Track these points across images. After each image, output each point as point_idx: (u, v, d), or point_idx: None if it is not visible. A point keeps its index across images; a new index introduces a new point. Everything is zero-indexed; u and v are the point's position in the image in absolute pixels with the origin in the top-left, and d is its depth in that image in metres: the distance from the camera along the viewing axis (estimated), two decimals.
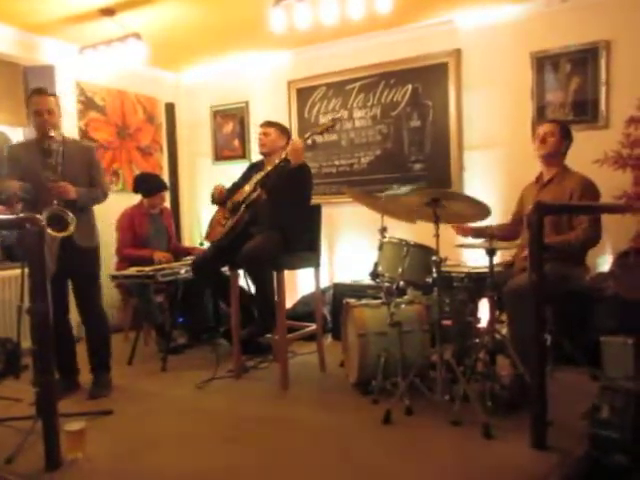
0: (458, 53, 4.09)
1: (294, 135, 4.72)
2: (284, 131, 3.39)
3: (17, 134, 4.25)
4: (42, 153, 2.80)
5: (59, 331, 2.96)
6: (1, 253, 3.93)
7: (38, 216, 2.11)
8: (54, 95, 2.99)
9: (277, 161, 3.16)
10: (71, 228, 2.59)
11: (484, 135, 4.02)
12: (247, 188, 3.23)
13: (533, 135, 3.07)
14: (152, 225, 4.17)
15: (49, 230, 2.44)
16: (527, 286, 2.25)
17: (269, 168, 3.19)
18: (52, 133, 2.76)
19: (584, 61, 3.65)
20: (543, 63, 3.79)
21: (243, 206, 3.18)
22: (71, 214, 2.61)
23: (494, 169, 3.93)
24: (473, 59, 4.05)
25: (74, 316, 3.11)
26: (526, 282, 2.31)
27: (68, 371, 3.04)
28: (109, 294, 4.07)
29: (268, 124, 3.37)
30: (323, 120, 4.55)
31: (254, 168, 3.45)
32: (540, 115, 3.78)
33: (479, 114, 4.05)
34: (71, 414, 2.54)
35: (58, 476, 2.07)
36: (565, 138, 2.93)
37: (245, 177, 3.41)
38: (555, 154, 2.91)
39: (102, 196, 3.05)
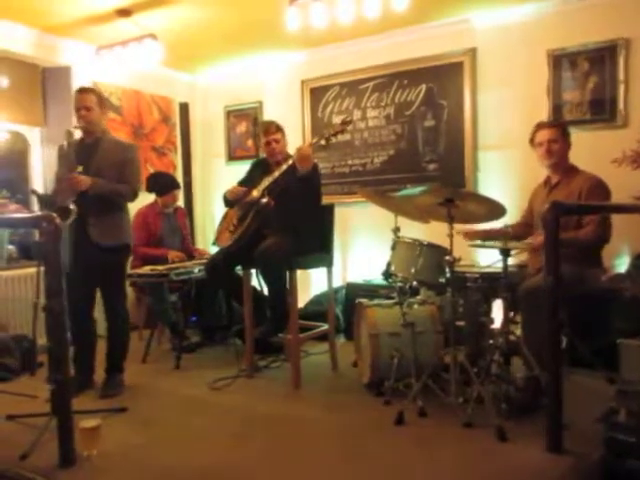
0: (473, 52, 4.05)
1: (307, 134, 4.73)
2: (284, 130, 3.34)
3: (34, 134, 4.31)
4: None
5: (80, 329, 3.02)
6: (18, 251, 3.98)
7: (53, 214, 2.13)
8: (95, 92, 3.05)
9: (284, 167, 3.11)
10: (71, 218, 2.58)
11: (499, 135, 3.98)
12: (255, 194, 3.19)
13: (532, 143, 2.98)
14: (166, 224, 4.20)
15: None
16: (542, 287, 2.22)
17: (276, 174, 3.15)
18: (70, 129, 2.80)
19: (602, 59, 3.59)
20: (560, 61, 3.74)
21: (251, 214, 3.17)
22: (73, 206, 2.60)
23: (509, 169, 3.89)
24: (489, 58, 4.02)
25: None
26: (541, 283, 2.28)
27: (84, 369, 3.07)
28: None
29: (277, 129, 3.28)
30: (336, 120, 4.53)
31: (259, 166, 3.42)
32: (557, 114, 3.73)
33: (494, 114, 4.01)
34: (86, 411, 2.56)
35: (72, 473, 2.09)
36: (567, 139, 2.89)
37: (251, 176, 3.39)
38: (563, 157, 2.87)
39: (130, 193, 3.02)
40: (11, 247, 3.95)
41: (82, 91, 3.01)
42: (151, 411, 2.77)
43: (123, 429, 2.53)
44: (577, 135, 3.54)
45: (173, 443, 2.38)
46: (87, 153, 2.89)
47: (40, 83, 4.31)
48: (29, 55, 4.11)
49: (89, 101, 2.94)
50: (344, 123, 3.18)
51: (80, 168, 2.75)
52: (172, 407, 2.84)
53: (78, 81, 4.35)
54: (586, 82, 3.65)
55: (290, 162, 3.09)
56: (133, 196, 3.06)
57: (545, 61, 3.77)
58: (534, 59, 3.81)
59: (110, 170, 2.94)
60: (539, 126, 2.95)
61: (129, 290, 4.10)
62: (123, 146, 3.13)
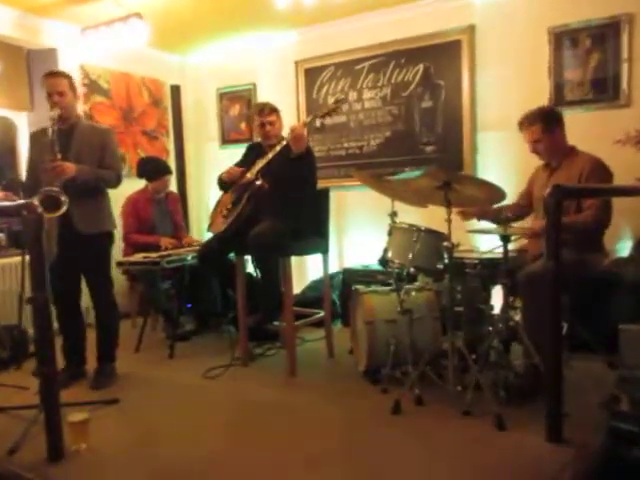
0: (472, 30, 3.93)
1: (302, 116, 4.62)
2: (279, 112, 3.25)
3: (21, 119, 4.20)
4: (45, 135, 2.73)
5: (67, 319, 2.96)
6: (8, 239, 3.90)
7: (35, 202, 2.05)
8: (67, 76, 2.90)
9: (278, 148, 3.04)
10: (63, 208, 2.48)
11: (498, 116, 3.88)
12: (249, 176, 3.12)
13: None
14: (157, 210, 4.12)
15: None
16: (543, 272, 2.15)
17: (270, 156, 3.07)
18: (51, 113, 2.68)
19: (605, 36, 3.48)
20: (561, 39, 3.62)
21: (245, 197, 3.09)
22: (63, 195, 2.49)
23: (509, 151, 3.80)
24: (488, 36, 3.90)
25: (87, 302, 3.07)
26: (542, 268, 2.21)
27: (75, 359, 3.02)
28: (116, 280, 4.02)
29: (271, 110, 3.19)
30: (332, 101, 4.43)
31: (253, 150, 3.34)
32: (558, 94, 3.63)
33: (493, 94, 3.91)
34: (76, 403, 2.52)
35: (61, 467, 2.04)
36: (553, 129, 2.73)
37: (245, 160, 3.31)
38: (554, 151, 2.77)
39: (113, 179, 2.93)
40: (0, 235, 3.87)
41: (53, 75, 2.86)
42: (143, 402, 2.71)
43: (114, 421, 2.48)
44: (579, 115, 3.46)
45: (166, 435, 2.33)
46: (64, 140, 2.76)
47: (26, 66, 4.18)
48: (13, 37, 3.98)
49: (61, 85, 2.80)
50: (337, 102, 3.12)
51: (59, 155, 2.64)
52: (165, 398, 2.79)
53: (65, 63, 4.23)
54: (588, 60, 3.54)
55: (284, 143, 3.01)
56: (117, 181, 2.96)
57: (546, 39, 3.66)
58: (535, 37, 3.70)
59: (90, 156, 2.85)
60: (520, 125, 2.81)
61: (122, 278, 4.06)
62: (100, 131, 3.03)
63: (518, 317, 2.66)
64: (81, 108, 4.38)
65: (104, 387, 2.88)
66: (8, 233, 3.86)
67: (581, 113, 3.52)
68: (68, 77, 2.89)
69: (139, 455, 2.16)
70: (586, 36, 3.54)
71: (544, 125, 2.73)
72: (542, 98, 3.63)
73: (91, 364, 3.05)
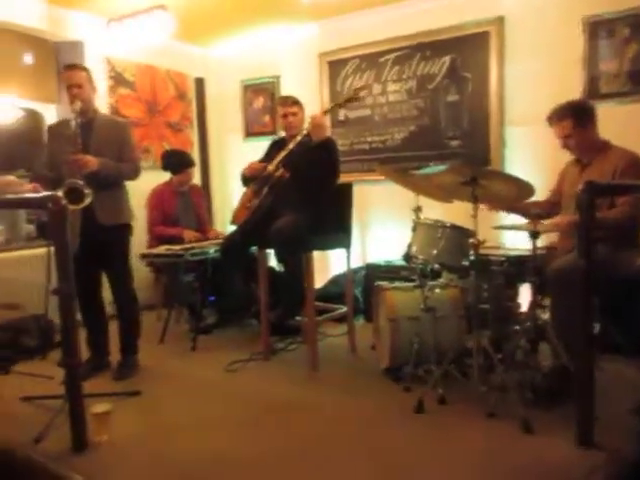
0: (501, 21, 3.83)
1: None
2: (301, 104, 3.27)
3: (50, 111, 4.25)
4: (67, 128, 2.75)
5: (89, 309, 2.98)
6: (37, 230, 3.96)
7: (59, 194, 2.06)
8: (85, 69, 2.91)
9: (299, 138, 3.04)
10: (86, 201, 2.51)
11: (528, 110, 3.77)
12: (270, 168, 3.12)
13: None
14: (181, 203, 4.13)
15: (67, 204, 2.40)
16: (573, 268, 2.08)
17: (291, 146, 3.07)
18: (73, 106, 2.69)
19: None
20: (597, 29, 3.49)
21: (266, 188, 3.08)
22: (87, 187, 2.51)
23: (538, 146, 3.69)
24: (517, 27, 3.79)
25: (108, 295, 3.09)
26: (572, 263, 2.14)
27: (98, 350, 3.05)
28: (141, 272, 4.07)
29: (293, 102, 3.22)
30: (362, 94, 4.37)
31: (276, 145, 3.33)
32: (592, 87, 3.51)
33: (523, 87, 3.80)
34: (99, 394, 2.54)
35: (84, 458, 2.06)
36: (585, 123, 2.62)
37: (268, 155, 3.30)
38: (586, 146, 2.67)
39: (133, 172, 2.96)
40: (29, 226, 3.93)
41: (71, 68, 2.87)
42: (165, 394, 2.73)
43: (136, 413, 2.50)
44: (614, 109, 3.34)
45: (185, 428, 2.33)
46: (83, 133, 2.76)
47: (53, 58, 4.22)
48: (40, 29, 4.02)
49: (80, 78, 2.81)
50: (358, 89, 3.10)
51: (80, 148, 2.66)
52: (186, 390, 2.80)
53: (91, 56, 4.27)
54: (625, 51, 3.40)
55: (304, 132, 3.00)
56: (136, 174, 2.99)
57: (580, 29, 3.53)
58: (568, 27, 3.57)
59: (109, 149, 2.86)
60: (549, 120, 2.71)
61: (146, 270, 4.09)
62: (118, 124, 3.07)
63: (546, 316, 2.59)
64: (107, 101, 4.43)
65: (126, 378, 2.91)
66: (37, 224, 3.92)
67: (616, 106, 3.39)
68: (86, 70, 2.90)
69: (159, 447, 2.16)
70: (624, 25, 3.40)
71: (575, 120, 2.63)
72: (575, 91, 3.52)
73: (114, 356, 3.08)
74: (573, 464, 1.91)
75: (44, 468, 1.92)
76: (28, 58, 4.18)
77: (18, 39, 4.04)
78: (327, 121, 4.26)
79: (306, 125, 3.08)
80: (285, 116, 3.21)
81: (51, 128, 3.10)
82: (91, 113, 2.89)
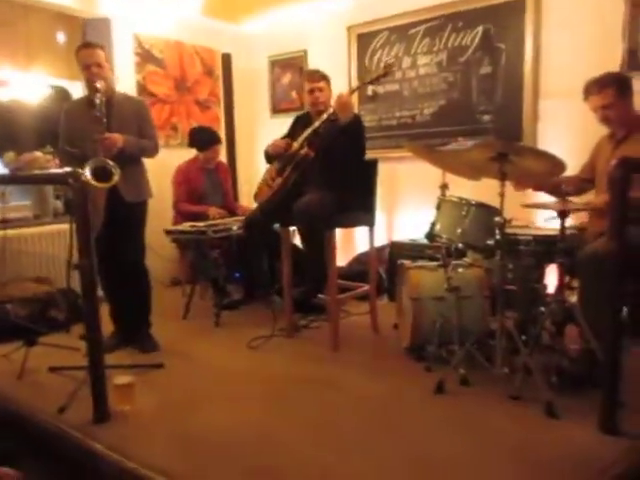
0: None
1: (353, 84, 4.48)
2: (329, 80, 3.17)
3: (77, 88, 4.29)
4: (90, 107, 2.76)
5: (113, 285, 3.03)
6: (64, 206, 4.04)
7: (80, 171, 2.07)
8: (102, 47, 2.90)
9: (325, 116, 2.96)
10: (115, 178, 2.53)
11: (564, 82, 3.59)
12: (295, 145, 3.08)
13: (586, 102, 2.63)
14: (207, 180, 4.14)
15: (94, 182, 2.42)
16: (606, 252, 1.98)
17: (317, 124, 3.00)
18: (98, 84, 2.70)
19: None
20: None
21: (290, 167, 3.04)
22: (113, 164, 2.54)
23: (573, 120, 3.52)
24: None
25: None
26: (605, 247, 2.04)
27: (124, 324, 3.10)
28: (167, 248, 4.13)
29: (321, 77, 3.12)
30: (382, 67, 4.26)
31: (300, 121, 3.27)
32: (632, 59, 3.31)
33: (559, 58, 3.62)
34: (123, 366, 2.60)
35: (106, 428, 2.11)
36: (625, 94, 2.50)
37: (293, 131, 3.25)
38: (625, 119, 2.53)
39: (153, 149, 2.98)
40: (57, 202, 4.01)
41: (89, 46, 2.86)
42: (187, 368, 2.77)
43: (158, 386, 2.54)
44: None
45: (207, 402, 2.36)
46: (98, 110, 2.72)
47: (81, 36, 4.25)
48: (70, 7, 4.04)
49: (99, 56, 2.79)
50: (387, 67, 2.99)
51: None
52: (208, 365, 2.83)
53: (119, 33, 4.28)
54: None
55: (330, 110, 2.93)
56: (156, 151, 3.00)
57: None
58: None
59: (129, 128, 2.86)
60: (587, 90, 2.58)
61: (171, 246, 4.14)
62: (136, 101, 3.09)
63: (574, 298, 2.49)
64: (134, 77, 4.45)
65: (152, 350, 2.97)
66: (65, 200, 4.00)
67: None
68: (103, 48, 2.89)
69: (179, 420, 2.19)
70: None
71: (617, 89, 2.50)
72: (613, 64, 3.32)
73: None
74: (595, 451, 1.85)
75: (67, 436, 1.98)
76: (60, 36, 4.21)
77: (48, 17, 4.08)
78: (354, 100, 4.19)
79: (332, 103, 3.00)
80: (312, 91, 3.12)
81: (71, 105, 3.11)
82: (110, 92, 2.90)
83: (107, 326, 2.93)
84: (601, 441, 1.91)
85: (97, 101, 2.68)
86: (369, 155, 3.20)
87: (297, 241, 3.41)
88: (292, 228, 3.23)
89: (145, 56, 4.54)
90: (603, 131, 2.71)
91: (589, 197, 2.76)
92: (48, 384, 2.56)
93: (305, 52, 4.89)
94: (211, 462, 1.87)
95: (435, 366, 2.58)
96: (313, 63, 4.77)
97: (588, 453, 1.84)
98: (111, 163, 2.57)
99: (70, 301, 3.41)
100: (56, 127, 3.00)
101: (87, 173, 2.38)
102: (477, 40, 3.95)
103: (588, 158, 2.82)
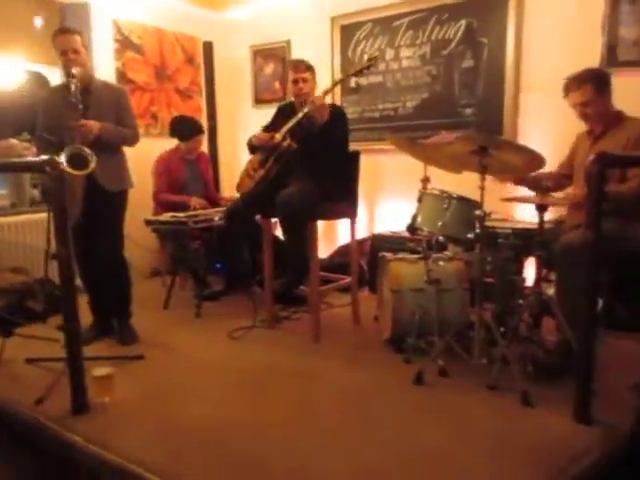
0: None
1: (336, 75, 4.46)
2: (314, 70, 3.15)
3: (55, 74, 4.20)
4: (67, 93, 2.70)
5: (92, 275, 2.99)
6: (42, 195, 3.96)
7: (57, 159, 2.03)
8: (80, 33, 2.84)
9: (306, 110, 2.94)
10: (91, 165, 2.49)
11: (544, 77, 3.63)
12: (277, 136, 3.06)
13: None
14: (188, 170, 4.10)
15: (70, 170, 2.38)
16: (581, 244, 2.02)
17: (300, 115, 2.98)
18: (74, 70, 2.64)
19: None
20: None
21: (272, 158, 3.02)
22: (91, 153, 2.50)
23: (553, 116, 3.56)
24: None
25: None
26: (580, 239, 2.08)
27: (103, 315, 3.07)
28: (147, 239, 4.08)
29: (306, 68, 3.09)
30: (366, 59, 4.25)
31: (283, 112, 3.25)
32: (610, 54, 3.35)
33: (540, 53, 3.65)
34: (102, 358, 2.57)
35: (84, 420, 2.09)
36: (603, 90, 2.53)
37: (275, 121, 3.23)
38: (602, 115, 2.56)
39: (133, 137, 2.93)
40: (34, 191, 3.93)
41: (65, 32, 2.79)
42: (167, 359, 2.76)
43: (138, 377, 2.52)
44: (631, 79, 3.19)
45: (187, 394, 2.36)
46: (82, 99, 2.70)
47: (59, 21, 4.15)
48: None
49: (76, 42, 2.74)
50: (371, 59, 3.00)
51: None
52: (188, 356, 2.82)
53: (98, 18, 4.20)
54: None
55: (305, 110, 2.93)
56: (136, 140, 2.96)
57: None
58: None
59: (108, 115, 2.81)
60: (567, 87, 2.60)
61: (152, 236, 4.10)
62: (115, 89, 3.02)
63: (551, 291, 2.54)
64: (114, 64, 4.37)
65: (132, 342, 2.94)
66: (42, 189, 3.92)
67: (634, 76, 3.24)
68: (81, 34, 2.83)
69: (159, 411, 2.19)
70: None
71: (595, 86, 2.53)
72: (593, 58, 3.36)
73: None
74: (568, 438, 1.89)
75: (44, 428, 1.96)
76: (37, 21, 4.12)
77: (25, 1, 3.98)
78: (337, 91, 4.22)
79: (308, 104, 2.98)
80: (296, 82, 3.08)
81: (50, 92, 3.04)
82: (88, 78, 2.84)
83: (86, 317, 2.89)
84: (575, 429, 1.95)
85: (72, 87, 2.62)
86: (351, 147, 3.20)
87: (279, 232, 3.41)
88: (274, 220, 3.22)
89: (124, 42, 4.45)
90: (582, 126, 2.75)
91: (567, 192, 2.81)
92: (25, 376, 2.53)
93: (288, 42, 4.85)
94: (190, 453, 1.87)
95: (414, 357, 2.61)
96: (296, 53, 4.73)
97: (562, 441, 1.88)
98: (87, 150, 2.52)
99: (48, 291, 3.36)
100: (33, 114, 2.94)
101: (63, 160, 2.33)
102: (460, 34, 3.96)
103: (567, 154, 2.86)
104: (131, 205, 3.05)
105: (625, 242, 2.46)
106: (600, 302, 2.56)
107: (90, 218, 2.78)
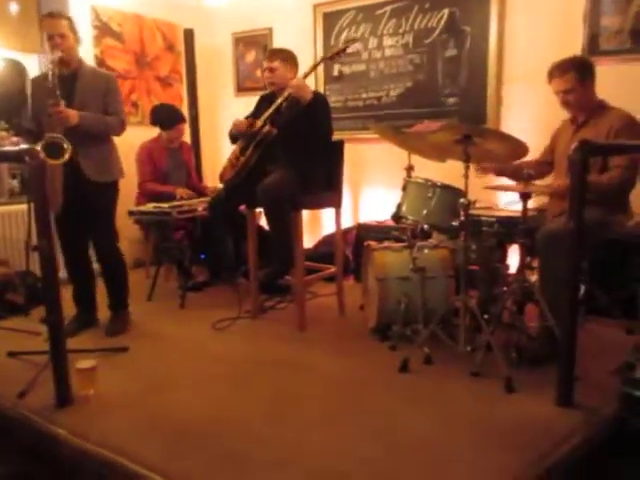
0: None
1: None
2: (290, 59, 3.10)
3: (32, 61, 4.10)
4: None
5: (76, 266, 2.95)
6: (21, 186, 3.88)
7: (37, 148, 1.99)
8: (68, 18, 2.78)
9: (285, 94, 2.92)
10: (66, 155, 2.43)
11: (527, 66, 3.65)
12: (258, 123, 3.04)
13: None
14: (171, 160, 4.06)
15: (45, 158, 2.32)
16: (563, 231, 2.05)
17: (279, 101, 2.96)
18: (52, 56, 2.58)
19: None
20: None
21: (252, 145, 3.00)
22: (66, 142, 2.44)
23: (536, 104, 3.59)
24: None
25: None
26: (562, 227, 2.11)
27: (86, 306, 3.03)
28: (131, 229, 4.03)
29: (271, 55, 3.07)
30: (350, 49, 4.21)
31: (265, 100, 3.22)
32: (592, 43, 3.38)
33: (523, 42, 3.66)
34: (86, 350, 2.54)
35: (68, 412, 2.07)
36: (586, 79, 2.54)
37: (257, 110, 3.20)
38: (584, 104, 2.59)
39: (118, 126, 2.86)
40: (13, 181, 3.85)
41: (52, 16, 2.73)
42: (152, 351, 2.74)
43: (123, 370, 2.50)
44: (614, 67, 3.23)
45: (172, 386, 2.34)
46: (67, 85, 2.66)
47: (35, 7, 4.04)
48: None
49: (62, 27, 2.68)
50: (348, 41, 3.00)
51: (61, 101, 2.55)
52: (173, 347, 2.80)
53: (76, 4, 4.09)
54: (629, 6, 3.24)
55: (285, 94, 2.91)
56: (122, 128, 2.89)
57: None
58: None
59: (94, 102, 2.75)
60: (550, 73, 2.61)
61: (135, 227, 4.05)
62: (103, 76, 2.95)
63: (534, 278, 2.58)
64: (92, 51, 4.27)
65: (119, 333, 2.91)
66: (22, 179, 3.84)
67: (616, 65, 3.28)
68: (68, 19, 2.76)
69: (143, 402, 2.17)
70: None
71: (578, 74, 2.54)
72: (575, 47, 3.38)
73: (103, 313, 3.07)
74: (552, 423, 1.93)
75: (28, 421, 1.94)
76: (12, 7, 4.00)
77: None
78: (320, 77, 4.19)
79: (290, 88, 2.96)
80: (264, 71, 3.09)
81: (34, 80, 2.98)
82: (75, 64, 2.78)
83: (68, 308, 2.85)
84: (557, 414, 1.99)
85: (50, 73, 2.56)
86: (335, 136, 3.18)
87: (263, 222, 3.39)
88: (258, 209, 3.20)
89: (103, 29, 4.36)
90: (565, 115, 2.78)
91: (549, 180, 2.84)
92: (7, 369, 2.49)
93: (270, 30, 4.80)
94: (175, 444, 1.86)
95: (400, 345, 2.63)
96: (278, 41, 4.69)
97: (545, 426, 1.92)
98: (63, 139, 2.45)
99: (29, 284, 3.30)
100: (10, 102, 2.87)
101: (39, 149, 2.28)
102: (443, 22, 3.96)
103: (549, 142, 2.88)
104: None
105: (605, 230, 2.50)
106: (582, 289, 2.62)
107: (77, 209, 2.73)
